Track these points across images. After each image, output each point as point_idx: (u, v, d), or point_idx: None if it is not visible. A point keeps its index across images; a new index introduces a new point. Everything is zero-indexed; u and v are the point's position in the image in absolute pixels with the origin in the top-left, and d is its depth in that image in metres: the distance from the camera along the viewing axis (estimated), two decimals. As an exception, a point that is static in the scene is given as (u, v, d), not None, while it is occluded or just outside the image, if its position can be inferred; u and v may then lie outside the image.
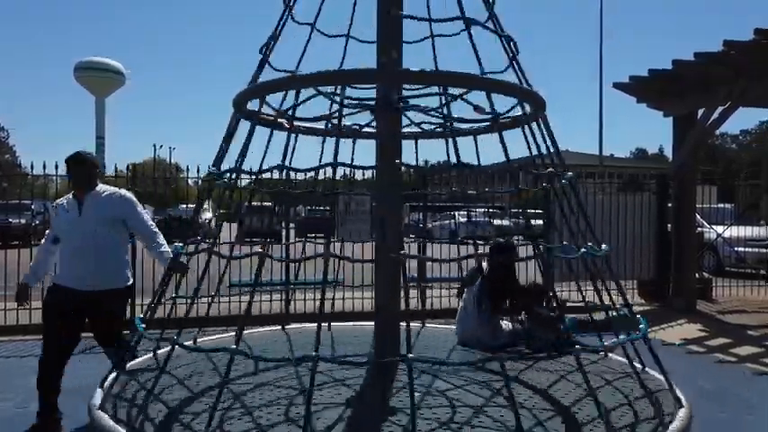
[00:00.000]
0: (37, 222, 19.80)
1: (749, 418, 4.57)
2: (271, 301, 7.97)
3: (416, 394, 3.22)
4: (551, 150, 3.60)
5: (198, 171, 7.64)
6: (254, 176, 3.62)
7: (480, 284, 4.23)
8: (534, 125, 3.67)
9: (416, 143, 4.51)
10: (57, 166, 7.55)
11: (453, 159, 3.29)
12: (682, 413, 3.02)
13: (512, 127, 3.60)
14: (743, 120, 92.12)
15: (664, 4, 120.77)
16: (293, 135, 4.35)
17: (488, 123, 3.91)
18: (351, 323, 5.27)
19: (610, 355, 3.80)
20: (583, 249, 3.25)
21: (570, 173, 3.59)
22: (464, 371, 3.43)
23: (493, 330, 4.11)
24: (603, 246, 3.55)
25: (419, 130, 4.53)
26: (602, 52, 31.38)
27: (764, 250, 11.66)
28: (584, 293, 3.47)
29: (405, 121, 4.45)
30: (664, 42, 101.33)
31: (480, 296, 4.19)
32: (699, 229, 10.54)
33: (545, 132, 3.65)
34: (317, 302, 5.20)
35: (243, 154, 3.63)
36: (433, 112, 4.09)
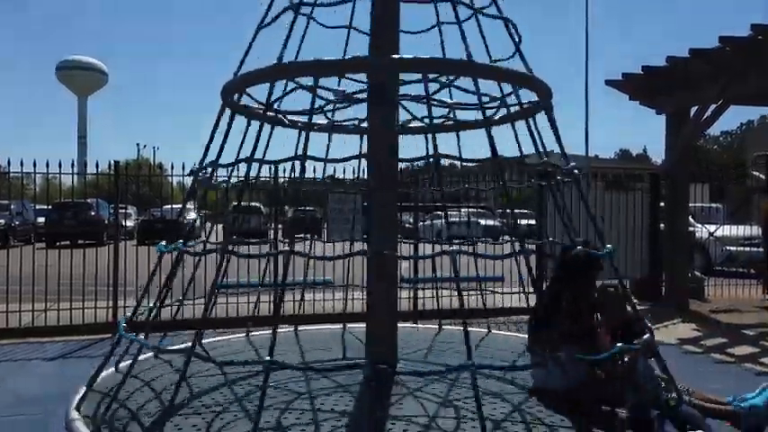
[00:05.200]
0: (17, 223, 19.37)
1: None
2: (258, 302, 7.74)
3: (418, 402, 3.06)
4: (556, 144, 3.46)
5: (183, 169, 7.42)
6: (230, 170, 3.43)
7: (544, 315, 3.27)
8: (532, 118, 3.54)
9: (430, 137, 4.31)
10: (35, 164, 7.28)
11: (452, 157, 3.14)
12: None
13: (517, 118, 3.45)
14: (724, 121, 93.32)
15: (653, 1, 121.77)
16: (275, 129, 4.18)
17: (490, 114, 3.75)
18: (346, 325, 5.13)
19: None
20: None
21: (576, 168, 3.44)
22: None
23: (561, 372, 3.11)
24: (608, 245, 3.41)
25: (422, 123, 4.36)
26: (587, 54, 31.49)
27: (755, 249, 11.64)
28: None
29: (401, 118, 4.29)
30: (651, 40, 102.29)
31: (545, 332, 3.21)
32: (690, 228, 10.48)
33: (548, 124, 3.51)
34: (316, 304, 5.04)
35: (211, 143, 3.43)
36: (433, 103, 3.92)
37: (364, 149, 4.16)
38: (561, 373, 3.00)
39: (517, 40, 3.44)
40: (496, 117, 3.82)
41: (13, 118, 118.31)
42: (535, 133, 3.35)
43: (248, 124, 3.61)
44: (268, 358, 2.50)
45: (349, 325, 5.31)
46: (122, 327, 3.36)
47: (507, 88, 3.39)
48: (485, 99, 3.63)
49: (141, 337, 3.32)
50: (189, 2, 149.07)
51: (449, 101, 3.99)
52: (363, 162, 4.63)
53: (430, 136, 4.23)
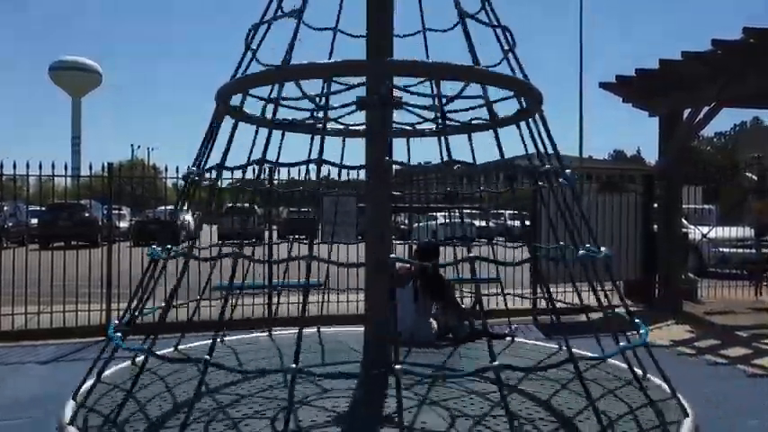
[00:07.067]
0: (10, 225, 19.23)
1: (749, 423, 4.46)
2: (253, 304, 7.73)
3: (411, 405, 3.06)
4: (549, 147, 3.46)
5: (177, 171, 7.40)
6: (229, 173, 3.41)
7: (416, 284, 4.55)
8: (531, 121, 3.54)
9: (408, 141, 4.32)
10: (28, 166, 7.26)
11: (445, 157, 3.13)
12: (687, 424, 2.89)
13: (509, 123, 3.45)
14: (717, 122, 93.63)
15: (647, 3, 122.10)
16: (278, 132, 4.17)
17: (485, 119, 3.75)
18: (339, 328, 5.11)
19: (611, 360, 3.65)
20: (581, 251, 3.11)
21: (569, 170, 3.45)
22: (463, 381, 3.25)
23: (429, 326, 4.51)
24: (603, 248, 3.42)
25: (409, 128, 4.36)
26: (582, 54, 31.46)
27: (748, 251, 11.69)
28: (579, 294, 3.33)
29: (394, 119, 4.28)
30: (650, 40, 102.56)
31: (417, 295, 4.51)
32: (683, 229, 10.52)
33: (542, 129, 3.51)
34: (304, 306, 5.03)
35: (210, 147, 3.41)
36: (425, 108, 3.92)
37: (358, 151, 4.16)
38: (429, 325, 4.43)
39: (511, 44, 3.43)
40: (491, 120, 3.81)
41: (12, 118, 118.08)
42: (532, 137, 3.34)
43: (234, 126, 3.58)
44: (294, 365, 2.50)
45: (345, 328, 5.31)
46: (113, 332, 3.34)
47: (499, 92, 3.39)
48: (473, 103, 3.65)
49: (136, 341, 3.30)
50: (188, 2, 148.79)
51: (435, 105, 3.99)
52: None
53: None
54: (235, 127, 3.46)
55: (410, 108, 3.88)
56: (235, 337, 4.92)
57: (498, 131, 3.21)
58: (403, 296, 4.47)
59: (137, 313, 3.41)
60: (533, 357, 4.01)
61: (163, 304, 3.37)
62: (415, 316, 4.39)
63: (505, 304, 4.75)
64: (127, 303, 3.50)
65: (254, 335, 5.00)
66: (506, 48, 3.48)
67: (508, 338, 4.31)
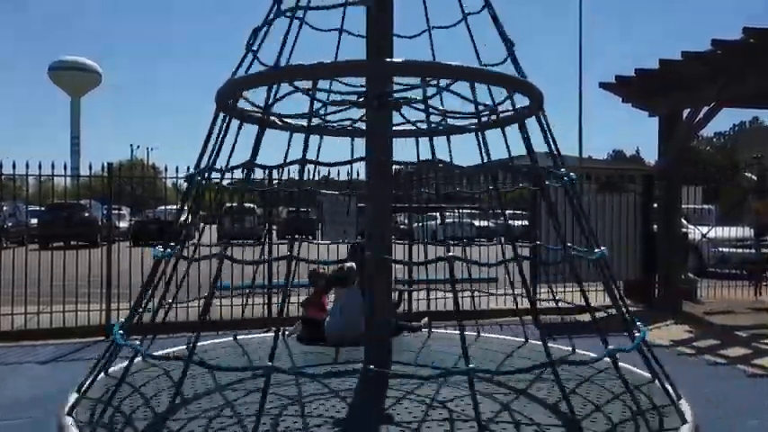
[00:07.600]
0: (9, 225, 19.24)
1: (749, 423, 4.46)
2: (253, 304, 7.71)
3: (415, 406, 3.06)
4: (550, 147, 3.46)
5: (177, 171, 7.42)
6: (228, 173, 3.40)
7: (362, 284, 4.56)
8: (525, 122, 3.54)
9: (417, 141, 4.31)
10: (27, 166, 7.26)
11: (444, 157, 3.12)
12: (686, 428, 2.88)
13: (509, 123, 3.44)
14: (717, 122, 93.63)
15: (647, 3, 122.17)
16: (276, 133, 4.17)
17: (483, 120, 3.74)
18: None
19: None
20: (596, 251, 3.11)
21: (573, 173, 3.44)
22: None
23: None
24: (602, 248, 3.41)
25: (414, 127, 4.34)
26: (581, 53, 31.46)
27: (747, 251, 11.70)
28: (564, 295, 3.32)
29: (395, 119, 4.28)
30: (651, 40, 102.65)
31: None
32: (682, 229, 10.53)
33: (543, 129, 3.51)
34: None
35: (216, 150, 3.40)
36: (423, 107, 3.91)
37: (357, 150, 4.16)
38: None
39: (509, 45, 3.43)
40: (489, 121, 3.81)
41: (11, 118, 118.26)
42: (526, 137, 3.34)
43: (240, 127, 3.57)
44: (269, 363, 2.49)
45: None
46: (117, 331, 3.34)
47: (497, 93, 3.39)
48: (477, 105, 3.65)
49: (135, 341, 3.30)
50: (188, 2, 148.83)
51: (440, 107, 3.98)
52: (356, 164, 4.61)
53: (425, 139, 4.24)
54: (228, 123, 3.44)
55: (415, 107, 3.88)
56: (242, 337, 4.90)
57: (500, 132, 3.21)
58: (350, 298, 4.40)
59: (154, 313, 3.40)
60: (457, 344, 4.06)
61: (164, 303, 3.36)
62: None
63: (428, 304, 4.79)
64: (129, 303, 3.50)
65: (251, 335, 4.99)
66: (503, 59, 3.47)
67: (424, 330, 4.53)
